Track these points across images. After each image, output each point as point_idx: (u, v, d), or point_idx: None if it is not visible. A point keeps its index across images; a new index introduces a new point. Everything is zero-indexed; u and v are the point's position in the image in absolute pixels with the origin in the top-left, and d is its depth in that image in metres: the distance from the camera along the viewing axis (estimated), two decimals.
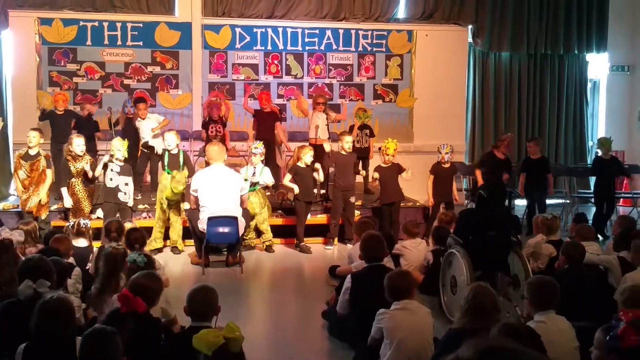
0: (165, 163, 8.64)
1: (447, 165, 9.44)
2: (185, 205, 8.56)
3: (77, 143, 8.39)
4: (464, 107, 13.16)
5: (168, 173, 8.46)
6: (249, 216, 8.24)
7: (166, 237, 8.71)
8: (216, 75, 12.10)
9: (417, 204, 10.02)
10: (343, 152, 9.08)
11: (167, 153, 8.73)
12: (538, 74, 13.57)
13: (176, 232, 8.61)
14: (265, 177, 8.85)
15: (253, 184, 8.69)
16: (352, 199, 9.11)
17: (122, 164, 8.53)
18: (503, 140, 10.02)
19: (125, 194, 8.51)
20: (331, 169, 9.41)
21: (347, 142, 9.08)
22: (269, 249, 8.83)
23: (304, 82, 12.37)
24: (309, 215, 9.16)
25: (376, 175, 9.06)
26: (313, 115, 10.35)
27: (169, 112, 11.76)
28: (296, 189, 8.78)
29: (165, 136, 8.95)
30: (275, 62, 12.28)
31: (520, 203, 11.22)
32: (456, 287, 5.86)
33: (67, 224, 7.15)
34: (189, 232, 8.24)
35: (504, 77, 13.45)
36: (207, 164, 8.29)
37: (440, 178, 9.39)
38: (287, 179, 8.91)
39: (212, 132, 10.28)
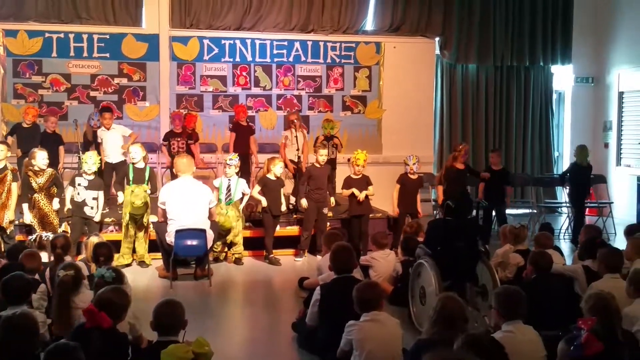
0: (130, 177, 8.54)
1: (414, 177, 9.50)
2: (153, 218, 8.50)
3: (41, 157, 8.25)
4: (431, 118, 13.26)
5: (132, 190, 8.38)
6: (217, 228, 8.20)
7: (133, 251, 8.62)
8: (184, 87, 12.04)
9: (378, 214, 10.05)
10: (317, 165, 9.10)
11: (131, 167, 8.62)
12: (504, 85, 13.73)
13: (142, 246, 8.54)
14: (243, 187, 8.84)
15: (229, 198, 8.67)
16: (325, 211, 9.13)
17: (91, 177, 8.42)
18: (460, 150, 10.09)
19: (92, 208, 8.41)
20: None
21: (322, 155, 9.12)
22: (237, 261, 8.78)
23: (272, 93, 12.38)
24: (277, 227, 9.14)
25: (348, 192, 9.09)
26: (290, 132, 10.19)
27: (136, 125, 11.68)
28: (264, 202, 8.77)
29: (130, 149, 8.82)
30: (244, 73, 12.26)
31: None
32: (425, 297, 5.88)
33: (30, 237, 7.04)
34: (156, 245, 8.16)
35: (471, 88, 13.59)
36: (175, 176, 8.23)
37: (406, 189, 9.44)
38: (255, 191, 8.89)
39: (174, 147, 10.19)
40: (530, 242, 7.38)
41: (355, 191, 9.05)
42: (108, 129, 10.08)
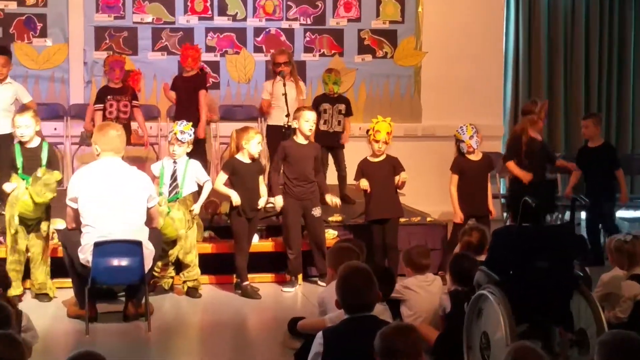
0: (19, 163, 8.51)
1: (477, 158, 9.48)
2: (58, 224, 8.45)
3: None
4: (501, 67, 13.34)
5: (23, 179, 8.35)
6: (160, 241, 8.18)
7: (26, 275, 8.62)
8: (107, 16, 12.09)
9: (428, 219, 10.05)
10: (300, 140, 9.08)
11: (18, 148, 8.58)
12: (616, 16, 13.74)
13: (41, 268, 8.51)
14: (198, 173, 8.84)
15: (175, 191, 8.69)
16: (316, 212, 9.11)
17: None
18: (539, 111, 10.00)
19: None
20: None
21: (307, 122, 9.00)
22: (192, 292, 8.79)
23: (247, 26, 12.43)
24: (255, 238, 9.17)
25: (365, 183, 9.12)
26: (274, 86, 10.33)
27: (32, 75, 11.79)
28: (234, 197, 8.75)
29: (16, 120, 8.71)
30: None
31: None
32: (489, 349, 5.89)
33: None
34: (64, 266, 8.16)
35: (564, 21, 13.63)
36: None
37: (468, 178, 9.46)
38: (219, 181, 8.86)
39: (112, 110, 10.21)
40: None
41: (363, 182, 9.07)
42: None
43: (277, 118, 10.14)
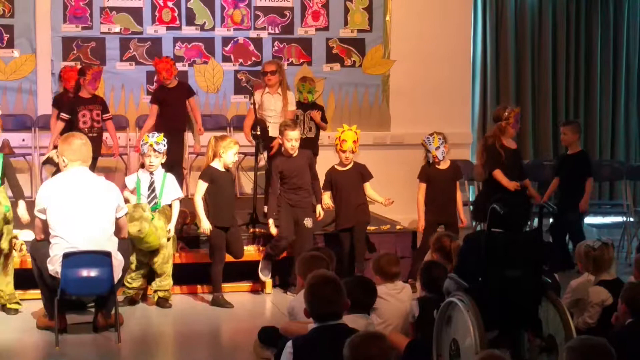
0: None
1: (444, 167, 9.51)
2: (25, 235, 8.42)
3: None
4: (468, 75, 13.37)
5: None
6: (129, 250, 8.17)
7: None
8: (75, 27, 12.04)
9: (398, 227, 10.07)
10: (288, 154, 9.11)
11: None
12: (583, 20, 13.82)
13: (5, 280, 8.46)
14: (173, 189, 8.84)
15: (154, 201, 8.70)
16: (308, 223, 9.12)
17: None
18: (508, 117, 9.98)
19: None
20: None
21: (290, 142, 9.03)
22: (162, 302, 8.76)
23: (215, 35, 12.42)
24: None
25: (328, 201, 9.16)
26: (263, 97, 10.31)
27: (0, 86, 11.70)
28: (204, 225, 8.72)
29: None
30: (170, 4, 12.27)
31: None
32: (459, 356, 5.90)
33: None
34: (32, 277, 8.12)
35: (531, 25, 13.69)
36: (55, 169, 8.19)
37: (436, 187, 9.49)
38: (199, 194, 8.78)
39: (86, 119, 10.18)
40: (626, 269, 7.42)
41: (325, 198, 9.11)
42: None
43: (273, 133, 10.07)
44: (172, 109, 10.60)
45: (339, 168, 9.21)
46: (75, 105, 10.45)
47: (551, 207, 9.61)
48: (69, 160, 7.95)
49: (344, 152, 9.12)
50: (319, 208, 9.32)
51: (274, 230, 9.02)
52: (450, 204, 9.54)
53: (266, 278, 9.15)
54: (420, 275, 7.39)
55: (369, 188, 9.25)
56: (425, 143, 9.50)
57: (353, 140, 9.12)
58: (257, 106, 10.24)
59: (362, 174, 9.20)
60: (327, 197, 9.20)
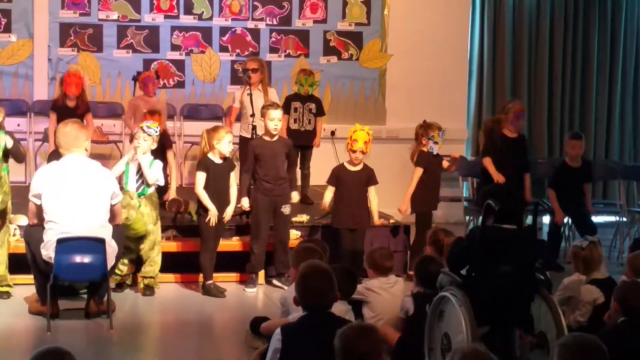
0: None
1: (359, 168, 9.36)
2: (20, 220, 8.42)
3: None
4: (465, 71, 13.39)
5: None
6: (123, 238, 8.17)
7: None
8: (73, 13, 12.03)
9: (392, 221, 10.07)
10: (268, 138, 9.06)
11: None
12: (580, 15, 13.81)
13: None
14: (159, 174, 8.79)
15: (141, 187, 8.67)
16: (286, 210, 9.11)
17: None
18: (507, 111, 10.00)
19: None
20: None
21: (272, 121, 8.94)
22: (148, 289, 8.75)
23: (213, 25, 12.42)
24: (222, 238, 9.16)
25: (327, 201, 9.14)
26: (243, 95, 10.25)
27: None
28: (212, 211, 8.71)
29: None
30: None
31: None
32: (451, 351, 5.90)
33: None
34: (25, 262, 8.12)
35: (528, 24, 13.68)
36: (55, 155, 8.17)
37: (432, 174, 9.52)
38: (200, 184, 8.72)
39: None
40: (618, 268, 7.43)
41: (327, 197, 9.10)
42: None
43: (244, 126, 10.12)
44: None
45: (348, 167, 9.12)
46: (61, 109, 10.31)
47: (546, 205, 9.66)
48: (64, 148, 7.97)
49: (354, 152, 9.02)
50: (294, 194, 9.30)
51: (245, 204, 9.06)
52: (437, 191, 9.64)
53: (252, 290, 9.08)
54: (415, 270, 7.38)
55: (372, 193, 9.22)
56: (437, 135, 9.46)
57: (364, 140, 9.00)
58: (236, 103, 10.35)
59: (368, 177, 9.15)
60: (328, 194, 9.13)
